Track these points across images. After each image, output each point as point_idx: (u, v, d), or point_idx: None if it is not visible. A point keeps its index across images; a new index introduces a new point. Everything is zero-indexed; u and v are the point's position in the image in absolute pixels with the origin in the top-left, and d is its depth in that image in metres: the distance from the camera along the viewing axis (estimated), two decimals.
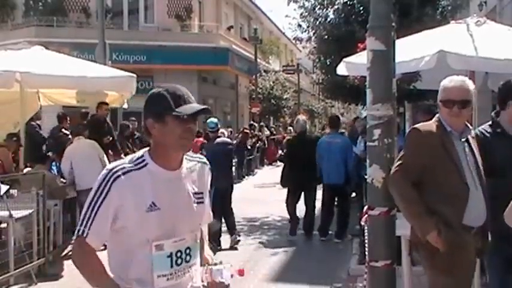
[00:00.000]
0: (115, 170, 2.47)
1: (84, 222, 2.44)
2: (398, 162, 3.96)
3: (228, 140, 10.42)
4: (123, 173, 2.46)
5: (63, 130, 10.92)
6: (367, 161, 4.49)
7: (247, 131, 22.79)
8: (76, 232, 2.47)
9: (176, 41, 25.63)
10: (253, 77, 32.29)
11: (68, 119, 11.47)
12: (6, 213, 6.60)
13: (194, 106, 2.50)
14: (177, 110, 2.44)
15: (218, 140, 9.78)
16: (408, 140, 4.03)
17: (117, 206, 2.44)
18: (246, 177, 21.57)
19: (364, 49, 5.86)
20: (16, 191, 7.79)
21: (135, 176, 2.48)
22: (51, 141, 11.15)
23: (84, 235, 2.43)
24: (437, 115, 4.00)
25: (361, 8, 13.12)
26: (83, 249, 2.47)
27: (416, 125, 4.10)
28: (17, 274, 6.94)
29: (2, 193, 5.21)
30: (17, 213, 7.01)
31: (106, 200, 2.43)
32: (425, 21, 10.79)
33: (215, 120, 10.17)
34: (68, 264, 7.99)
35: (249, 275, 7.48)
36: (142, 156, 2.53)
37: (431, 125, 3.95)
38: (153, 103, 2.50)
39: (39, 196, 7.44)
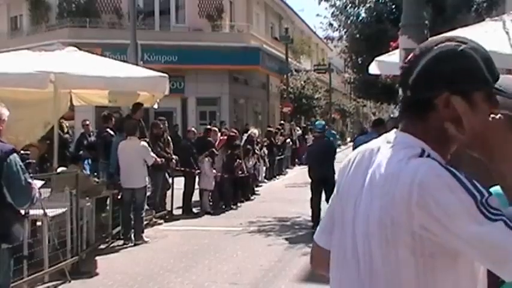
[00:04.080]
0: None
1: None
2: None
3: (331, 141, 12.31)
4: None
5: (107, 130, 11.06)
6: None
7: (271, 129, 22.68)
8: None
9: (207, 41, 25.75)
10: (284, 76, 32.26)
11: (113, 119, 11.53)
12: (40, 211, 6.70)
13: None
14: (499, 84, 1.57)
15: (324, 140, 11.45)
16: None
17: None
18: (277, 177, 21.51)
19: (396, 48, 5.79)
20: (50, 190, 7.90)
21: None
22: (98, 141, 11.37)
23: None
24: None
25: (394, 7, 13.04)
26: None
27: None
28: (51, 271, 7.05)
29: (39, 186, 5.28)
30: (51, 212, 7.11)
31: None
32: (459, 19, 10.64)
33: (323, 122, 12.09)
34: (101, 262, 8.09)
35: (280, 275, 7.46)
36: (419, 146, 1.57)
37: None
38: (459, 69, 1.53)
39: (72, 195, 7.56)
